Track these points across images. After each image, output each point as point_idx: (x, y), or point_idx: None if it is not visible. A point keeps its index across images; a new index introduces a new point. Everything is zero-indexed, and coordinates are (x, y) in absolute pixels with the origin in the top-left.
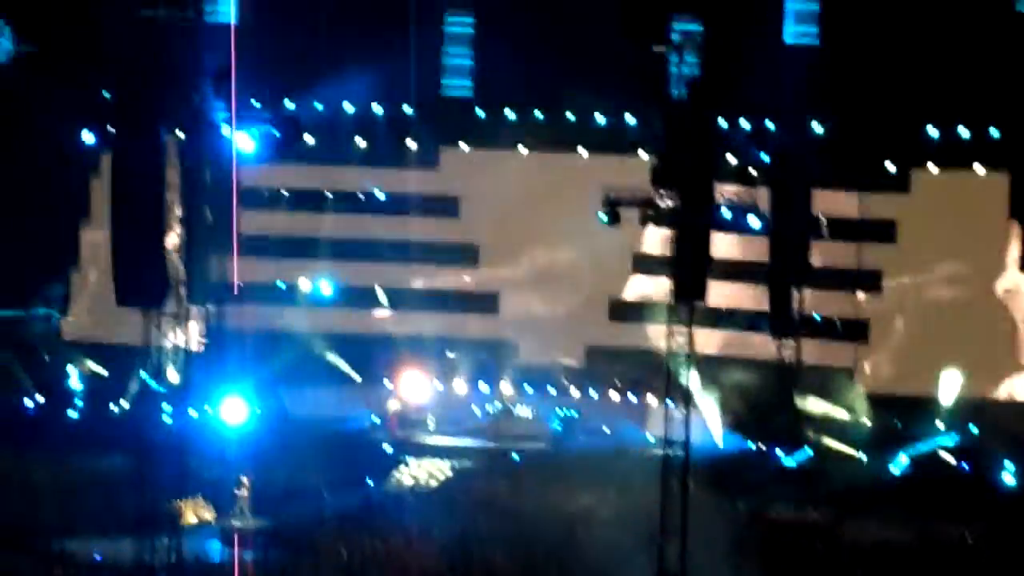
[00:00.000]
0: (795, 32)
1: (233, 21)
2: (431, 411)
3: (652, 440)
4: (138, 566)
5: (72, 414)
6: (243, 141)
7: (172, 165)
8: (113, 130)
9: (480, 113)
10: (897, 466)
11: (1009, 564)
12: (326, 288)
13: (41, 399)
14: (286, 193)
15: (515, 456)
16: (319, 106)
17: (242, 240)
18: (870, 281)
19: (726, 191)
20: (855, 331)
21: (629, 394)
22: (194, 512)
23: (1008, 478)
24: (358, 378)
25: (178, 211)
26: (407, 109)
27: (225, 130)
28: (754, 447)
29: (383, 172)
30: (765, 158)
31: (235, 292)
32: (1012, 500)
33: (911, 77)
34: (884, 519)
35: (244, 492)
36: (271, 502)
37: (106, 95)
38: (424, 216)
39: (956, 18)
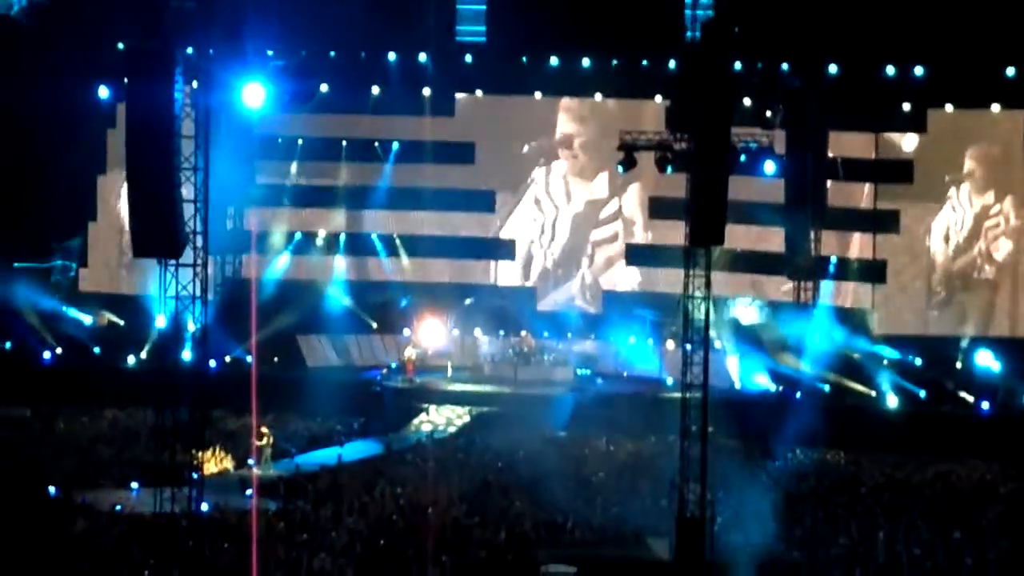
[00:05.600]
0: None
1: None
2: (449, 358)
3: (670, 383)
4: (158, 516)
5: (90, 365)
6: (257, 91)
7: (187, 115)
8: (127, 81)
9: (495, 59)
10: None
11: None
12: None
13: (59, 350)
14: (301, 142)
15: (532, 402)
16: (333, 54)
17: (258, 189)
18: (887, 222)
19: (742, 133)
20: (872, 272)
21: (647, 338)
22: (214, 462)
23: None
24: (375, 325)
25: (194, 161)
26: (422, 57)
27: (239, 80)
28: (773, 388)
29: (398, 120)
30: (780, 100)
31: (252, 241)
32: None
33: (927, 16)
34: (901, 458)
35: (264, 441)
36: (290, 451)
37: (120, 47)
38: (440, 163)
39: None
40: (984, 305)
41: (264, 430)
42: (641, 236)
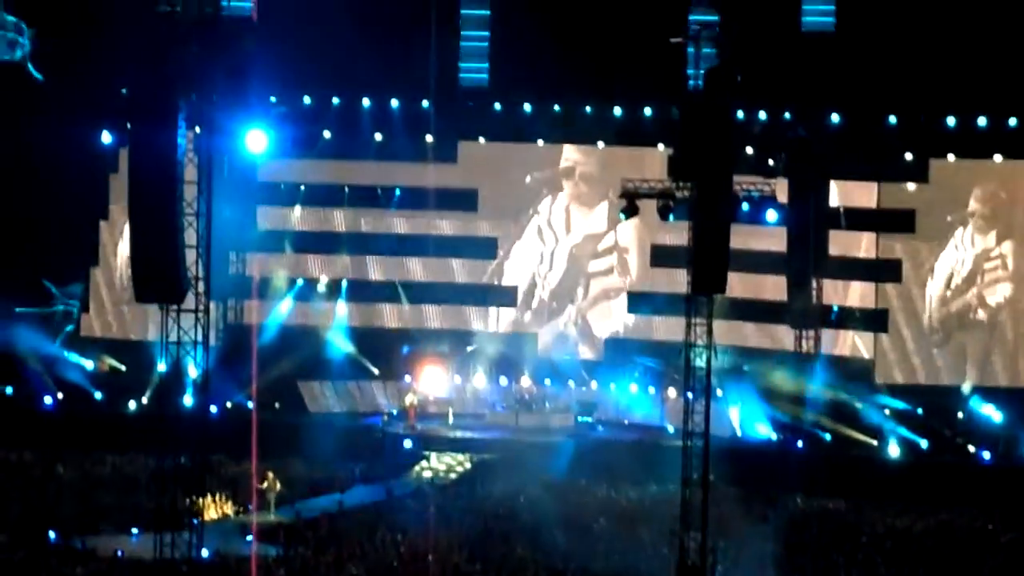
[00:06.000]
0: (812, 21)
1: (251, 15)
2: (450, 404)
3: (672, 431)
4: (159, 562)
5: (91, 410)
6: (259, 137)
7: (190, 161)
8: (130, 126)
9: (497, 106)
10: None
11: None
12: None
13: (61, 395)
14: (304, 188)
15: (533, 448)
16: (336, 100)
17: (260, 235)
18: (889, 271)
19: (744, 182)
20: (874, 321)
21: (648, 386)
22: (214, 507)
23: None
24: (376, 371)
25: (196, 207)
26: (424, 103)
27: (242, 126)
28: (775, 437)
29: (401, 166)
30: (783, 149)
31: (254, 286)
32: None
33: (929, 66)
34: (903, 507)
35: (265, 486)
36: (292, 497)
37: (124, 92)
38: (442, 210)
39: (974, 6)
40: (982, 346)
41: (270, 475)
42: (636, 273)
